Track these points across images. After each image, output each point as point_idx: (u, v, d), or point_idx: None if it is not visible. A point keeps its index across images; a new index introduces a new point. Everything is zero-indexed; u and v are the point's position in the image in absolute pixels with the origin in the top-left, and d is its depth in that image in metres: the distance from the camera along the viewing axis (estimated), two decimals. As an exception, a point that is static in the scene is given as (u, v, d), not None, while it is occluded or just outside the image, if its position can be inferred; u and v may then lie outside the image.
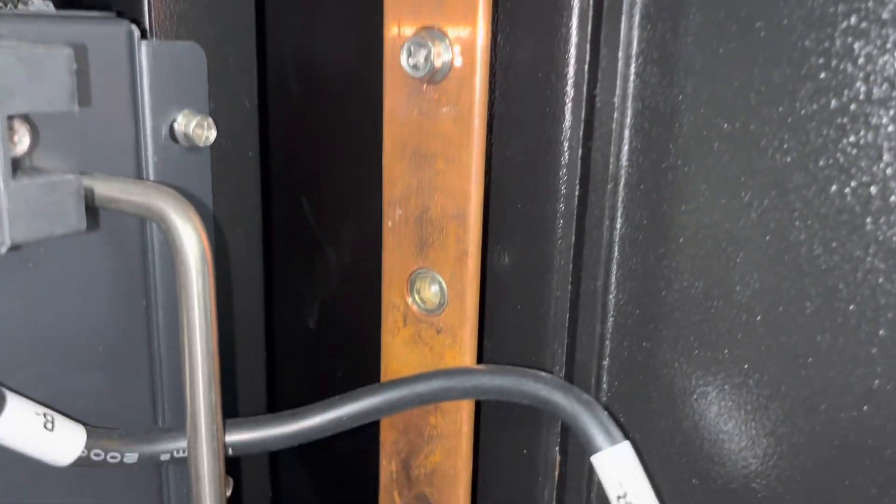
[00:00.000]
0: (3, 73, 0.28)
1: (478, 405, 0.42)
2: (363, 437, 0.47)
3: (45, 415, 0.33)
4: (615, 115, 0.35)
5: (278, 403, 0.56)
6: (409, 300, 0.41)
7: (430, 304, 0.41)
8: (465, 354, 0.40)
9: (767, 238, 0.32)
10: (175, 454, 0.37)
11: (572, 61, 0.37)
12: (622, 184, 0.35)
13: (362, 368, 0.55)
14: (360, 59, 0.51)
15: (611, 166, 0.35)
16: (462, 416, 0.41)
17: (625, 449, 0.34)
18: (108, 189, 0.34)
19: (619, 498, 0.34)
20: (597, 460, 0.35)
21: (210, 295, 0.34)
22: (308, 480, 0.55)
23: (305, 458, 0.55)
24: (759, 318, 0.33)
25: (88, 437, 0.35)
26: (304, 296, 0.57)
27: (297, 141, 0.54)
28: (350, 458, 0.52)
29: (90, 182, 0.34)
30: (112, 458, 0.35)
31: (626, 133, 0.35)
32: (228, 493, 0.46)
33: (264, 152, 0.48)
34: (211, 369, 0.34)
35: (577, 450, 0.39)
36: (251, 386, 0.49)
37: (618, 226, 0.36)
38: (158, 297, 0.41)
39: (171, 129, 0.40)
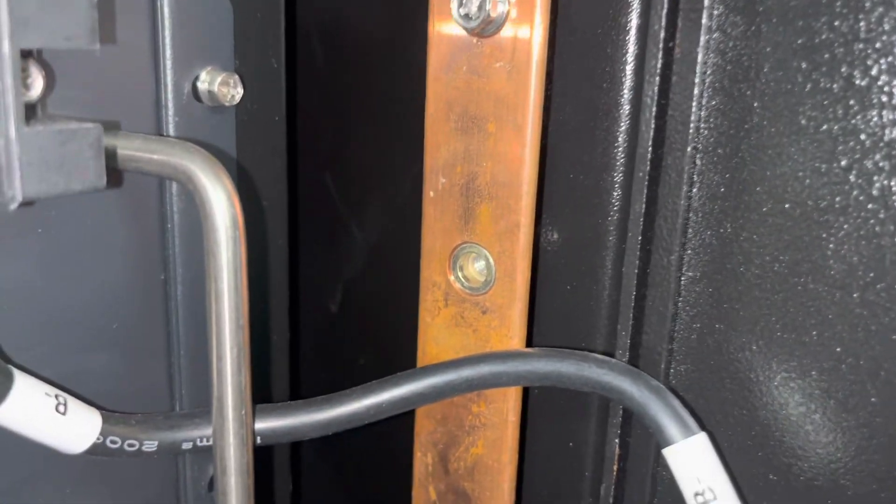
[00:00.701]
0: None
1: (524, 394, 0.39)
2: (395, 426, 0.43)
3: (56, 396, 0.30)
4: (696, 70, 0.31)
5: (296, 394, 0.52)
6: (452, 278, 0.38)
7: (474, 282, 0.38)
8: (514, 337, 0.37)
9: (869, 206, 0.29)
10: (198, 442, 0.33)
11: (636, 13, 0.34)
12: (700, 147, 0.32)
13: (387, 356, 0.51)
14: (391, 21, 0.47)
15: (691, 127, 0.31)
16: (509, 404, 0.38)
17: (702, 441, 0.31)
18: (128, 145, 0.31)
19: (696, 495, 0.30)
20: (670, 454, 0.31)
21: (241, 263, 0.30)
22: (331, 473, 0.52)
23: (329, 449, 0.51)
24: (855, 295, 0.30)
25: (104, 423, 0.31)
26: (327, 277, 0.53)
27: (322, 112, 0.50)
28: (379, 449, 0.49)
29: (110, 137, 0.30)
30: (129, 445, 0.32)
31: (705, 91, 0.32)
32: (250, 486, 0.42)
33: (290, 121, 0.44)
34: (241, 346, 0.31)
35: (640, 441, 0.35)
36: (274, 373, 0.46)
37: (693, 193, 0.32)
38: (177, 271, 0.37)
39: (194, 86, 0.36)
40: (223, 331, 0.31)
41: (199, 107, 0.37)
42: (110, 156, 0.30)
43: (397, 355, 0.50)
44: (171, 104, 0.35)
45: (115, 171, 0.32)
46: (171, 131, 0.36)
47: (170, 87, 0.35)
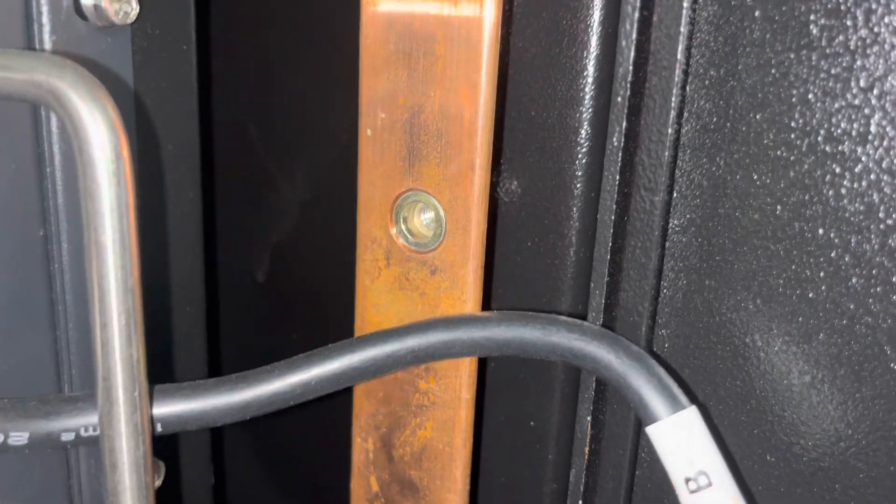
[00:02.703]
0: None
1: (480, 367, 0.33)
2: (329, 407, 0.38)
3: None
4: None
5: (220, 374, 0.46)
6: (394, 231, 0.32)
7: (421, 236, 0.32)
8: (468, 301, 0.31)
9: (893, 135, 0.24)
10: (82, 433, 0.27)
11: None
12: (690, 67, 0.27)
13: (324, 331, 0.45)
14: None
15: (680, 41, 0.26)
16: (461, 379, 0.32)
17: (692, 416, 0.26)
18: (-22, 58, 0.24)
19: (687, 481, 0.25)
20: (655, 432, 0.26)
21: (127, 207, 0.24)
22: (259, 464, 0.46)
23: (255, 436, 0.45)
24: (874, 241, 0.25)
25: (-46, 411, 0.25)
26: (252, 241, 0.47)
27: (240, 46, 0.44)
28: (312, 435, 0.43)
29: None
30: (-10, 438, 0.25)
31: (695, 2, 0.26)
32: (159, 482, 0.36)
33: (201, 57, 0.38)
34: (130, 312, 0.25)
35: (616, 419, 0.30)
36: (190, 351, 0.40)
37: (680, 124, 0.27)
38: (60, 226, 0.31)
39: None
40: (107, 293, 0.24)
41: (82, 25, 0.30)
42: (-44, 72, 0.24)
43: (336, 329, 0.44)
44: (45, 19, 0.29)
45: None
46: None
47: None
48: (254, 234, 0.46)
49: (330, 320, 0.45)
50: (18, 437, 0.26)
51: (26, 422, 0.26)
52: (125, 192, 0.24)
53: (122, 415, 0.25)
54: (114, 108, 0.24)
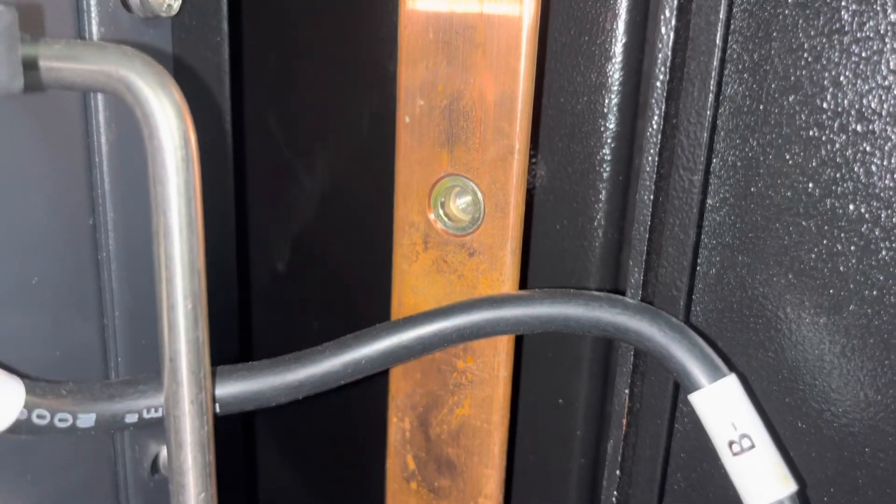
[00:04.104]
0: None
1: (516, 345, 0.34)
2: (364, 388, 0.39)
3: (-35, 361, 0.24)
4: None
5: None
6: (432, 216, 0.33)
7: (459, 220, 0.33)
8: (506, 282, 0.32)
9: (924, 110, 0.26)
10: (145, 414, 0.28)
11: None
12: (727, 52, 0.28)
13: (345, 319, 0.46)
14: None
15: (719, 27, 0.27)
16: (499, 358, 0.33)
17: (733, 383, 0.27)
18: (49, 52, 0.25)
19: (731, 444, 0.27)
20: (698, 399, 0.27)
21: (195, 192, 0.25)
22: (289, 446, 0.47)
23: (286, 419, 0.46)
24: (905, 214, 0.26)
25: (28, 394, 0.25)
26: (273, 233, 0.47)
27: (265, 38, 0.44)
28: (347, 415, 0.44)
29: (27, 43, 0.24)
30: (61, 421, 0.26)
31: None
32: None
33: (232, 55, 0.38)
34: (197, 295, 0.25)
35: (653, 391, 0.31)
36: (224, 342, 0.40)
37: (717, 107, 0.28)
38: (108, 216, 0.31)
39: (123, -9, 0.30)
40: (174, 276, 0.25)
41: (128, 17, 0.31)
42: (29, 64, 0.24)
43: (355, 317, 0.45)
44: (93, 11, 0.29)
45: (34, 85, 0.26)
46: (96, 45, 0.30)
47: (92, -9, 0.29)
48: (275, 226, 0.47)
49: (351, 311, 0.46)
50: (86, 419, 0.26)
51: (93, 404, 0.27)
52: (192, 177, 0.25)
53: (187, 395, 0.26)
54: (181, 96, 0.25)
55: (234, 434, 0.41)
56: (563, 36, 0.33)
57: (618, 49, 0.32)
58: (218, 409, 0.29)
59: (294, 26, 0.41)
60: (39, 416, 0.25)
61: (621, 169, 0.33)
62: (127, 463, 0.34)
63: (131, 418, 0.27)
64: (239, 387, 0.29)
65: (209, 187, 0.37)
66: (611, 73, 0.32)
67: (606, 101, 0.32)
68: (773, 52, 0.27)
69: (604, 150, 0.33)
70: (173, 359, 0.26)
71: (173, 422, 0.26)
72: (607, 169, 0.33)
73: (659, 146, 0.29)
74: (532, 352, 0.36)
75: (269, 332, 0.46)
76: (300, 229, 0.46)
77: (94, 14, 0.29)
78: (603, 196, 0.33)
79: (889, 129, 0.26)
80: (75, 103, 0.30)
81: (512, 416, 0.36)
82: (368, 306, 0.44)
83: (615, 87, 0.32)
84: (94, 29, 0.30)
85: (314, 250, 0.45)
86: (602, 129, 0.33)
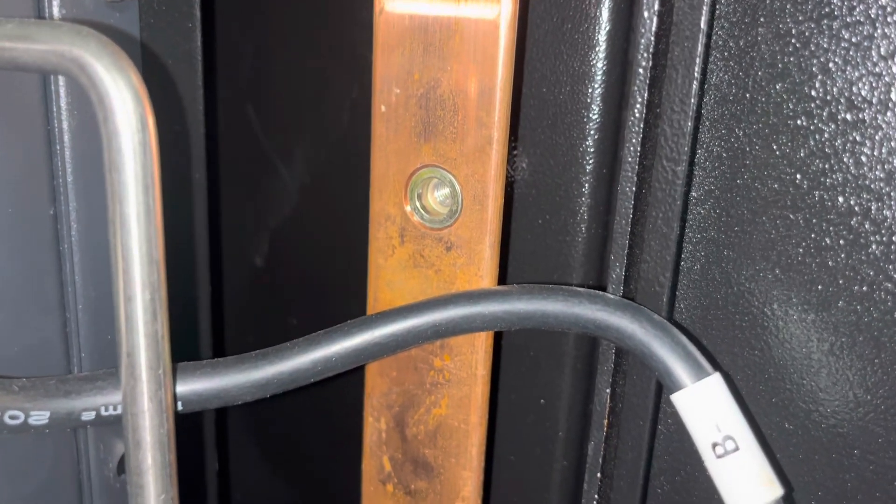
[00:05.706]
0: None
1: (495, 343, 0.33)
2: (339, 387, 0.38)
3: None
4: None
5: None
6: (409, 209, 0.32)
7: (435, 213, 0.32)
8: (485, 276, 0.31)
9: (915, 98, 0.25)
10: (103, 412, 0.26)
11: None
12: (711, 38, 0.27)
13: (323, 316, 0.45)
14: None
15: (702, 15, 0.26)
16: (477, 356, 0.32)
17: (716, 382, 0.26)
18: (-3, 28, 0.23)
19: (714, 446, 0.26)
20: (680, 399, 0.26)
21: (153, 178, 0.24)
22: (263, 445, 0.45)
23: (260, 417, 0.45)
24: (895, 207, 0.25)
25: (-25, 389, 0.24)
26: (249, 226, 0.46)
27: (240, 24, 0.43)
28: (321, 415, 0.43)
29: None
30: (12, 418, 0.25)
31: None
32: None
33: (206, 43, 0.37)
34: (155, 286, 0.24)
35: (635, 391, 0.30)
36: (199, 338, 0.39)
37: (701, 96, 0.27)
38: (70, 205, 0.30)
39: (85, -28, 0.29)
40: (132, 266, 0.24)
41: (92, -1, 0.29)
42: (-27, 41, 0.23)
43: (332, 313, 0.43)
44: (54, -8, 0.28)
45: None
46: (57, 28, 0.29)
47: (53, -29, 0.28)
48: (252, 219, 0.45)
49: (330, 308, 0.44)
50: (39, 417, 0.25)
51: (47, 401, 0.25)
52: (150, 163, 0.23)
53: (146, 392, 0.25)
54: (138, 78, 0.23)
55: (205, 433, 0.40)
56: (545, 23, 0.32)
57: (602, 37, 0.31)
58: (180, 407, 0.28)
59: (271, 11, 0.40)
60: (-12, 414, 0.24)
61: (605, 161, 0.32)
62: (91, 463, 0.33)
63: (88, 416, 0.26)
64: (202, 384, 0.27)
65: (181, 179, 0.36)
66: (594, 61, 0.31)
67: (590, 90, 0.31)
68: (759, 38, 0.26)
69: (587, 142, 0.32)
70: (131, 353, 0.25)
71: (131, 420, 0.25)
72: (591, 161, 0.32)
73: (642, 136, 0.27)
74: (512, 349, 0.35)
75: (242, 328, 0.45)
76: (277, 222, 0.45)
77: (53, -6, 0.28)
78: (586, 189, 0.32)
79: (880, 117, 0.25)
80: (35, 88, 0.29)
81: (491, 416, 0.35)
82: (345, 302, 0.43)
83: (599, 77, 0.31)
84: (56, 11, 0.29)
85: (291, 244, 0.44)
86: (585, 119, 0.32)
